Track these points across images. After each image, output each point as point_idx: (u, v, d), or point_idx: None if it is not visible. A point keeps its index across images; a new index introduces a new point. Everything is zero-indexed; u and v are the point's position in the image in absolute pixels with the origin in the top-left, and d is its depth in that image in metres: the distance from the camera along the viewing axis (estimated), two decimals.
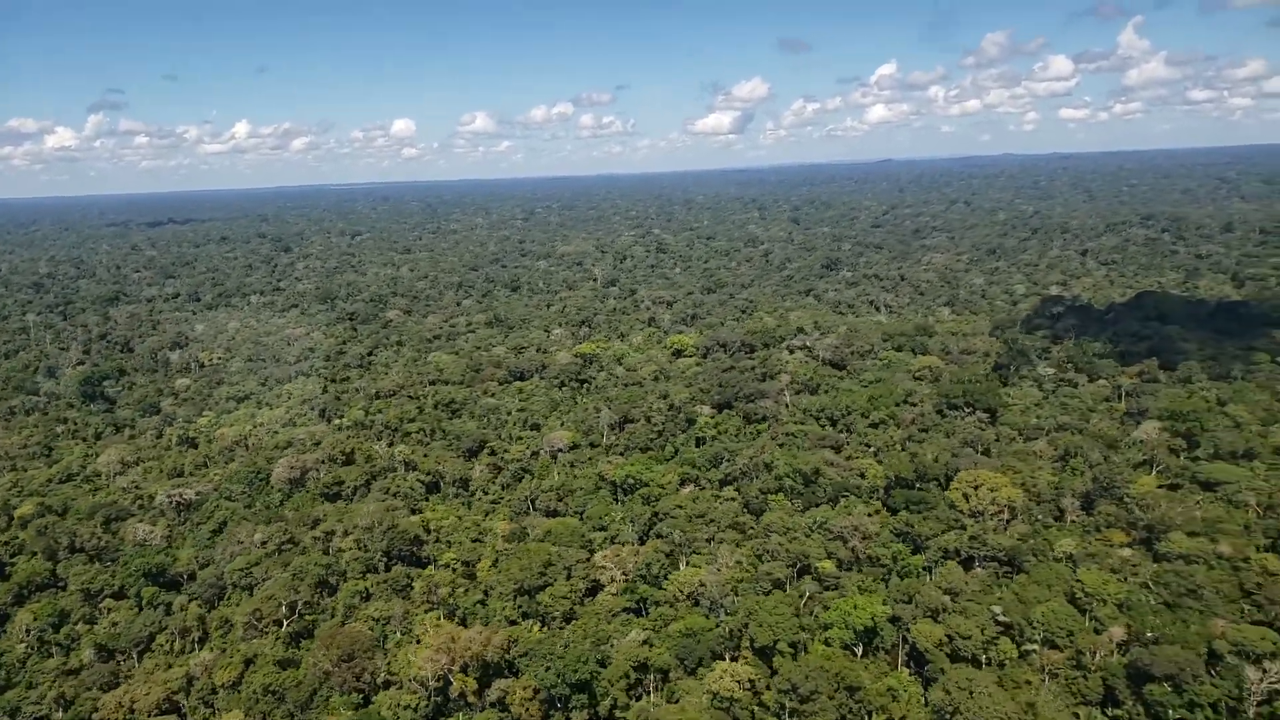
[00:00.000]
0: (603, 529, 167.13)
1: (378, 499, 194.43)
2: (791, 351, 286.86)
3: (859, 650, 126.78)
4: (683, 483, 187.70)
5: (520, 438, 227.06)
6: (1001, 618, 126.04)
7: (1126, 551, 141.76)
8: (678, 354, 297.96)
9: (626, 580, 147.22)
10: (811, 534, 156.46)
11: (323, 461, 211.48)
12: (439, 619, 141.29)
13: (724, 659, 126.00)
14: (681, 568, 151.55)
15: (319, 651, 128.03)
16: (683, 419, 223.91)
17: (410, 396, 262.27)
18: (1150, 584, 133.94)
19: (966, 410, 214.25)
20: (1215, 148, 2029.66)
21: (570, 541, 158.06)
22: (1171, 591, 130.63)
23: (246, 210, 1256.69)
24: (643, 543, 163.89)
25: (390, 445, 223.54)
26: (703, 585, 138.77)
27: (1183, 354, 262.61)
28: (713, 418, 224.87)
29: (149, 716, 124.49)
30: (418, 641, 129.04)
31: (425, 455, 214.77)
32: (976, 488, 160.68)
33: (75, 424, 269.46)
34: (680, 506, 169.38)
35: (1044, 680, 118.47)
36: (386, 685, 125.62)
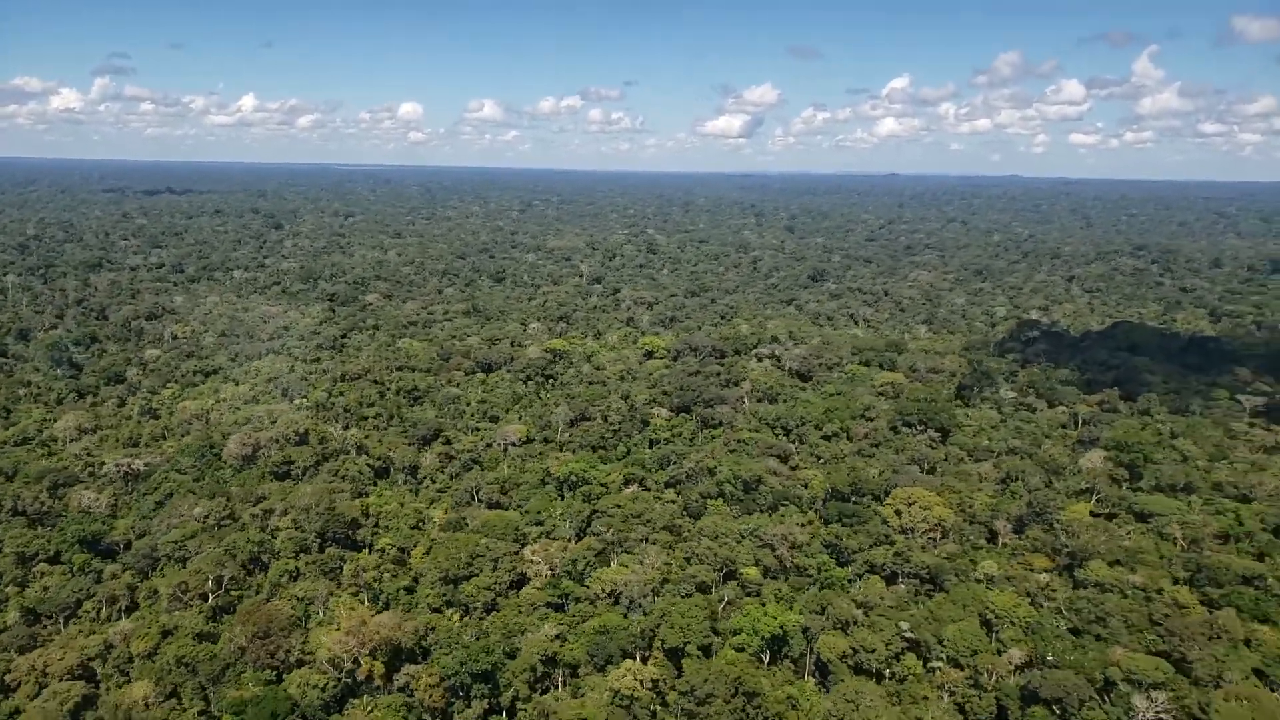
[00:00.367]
0: (539, 523, 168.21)
1: (325, 480, 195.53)
2: (760, 360, 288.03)
3: (767, 657, 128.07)
4: (627, 482, 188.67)
5: (477, 429, 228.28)
6: (908, 634, 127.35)
7: (1044, 576, 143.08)
8: (649, 355, 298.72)
9: (552, 575, 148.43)
10: (742, 540, 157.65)
11: (276, 440, 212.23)
12: (362, 602, 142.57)
13: (634, 658, 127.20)
14: (612, 566, 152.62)
15: (236, 627, 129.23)
16: (638, 420, 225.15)
17: (374, 381, 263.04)
18: (1063, 609, 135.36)
19: (920, 428, 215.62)
20: (1222, 182, 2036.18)
21: (504, 534, 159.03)
22: (1082, 618, 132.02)
23: (247, 185, 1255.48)
24: (580, 539, 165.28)
25: (346, 428, 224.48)
26: (625, 584, 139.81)
27: (1146, 385, 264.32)
28: (668, 420, 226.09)
29: (60, 680, 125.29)
30: (336, 625, 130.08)
31: (379, 441, 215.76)
32: (910, 505, 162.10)
33: (38, 388, 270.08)
34: (619, 506, 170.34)
35: (941, 697, 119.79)
36: (300, 664, 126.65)
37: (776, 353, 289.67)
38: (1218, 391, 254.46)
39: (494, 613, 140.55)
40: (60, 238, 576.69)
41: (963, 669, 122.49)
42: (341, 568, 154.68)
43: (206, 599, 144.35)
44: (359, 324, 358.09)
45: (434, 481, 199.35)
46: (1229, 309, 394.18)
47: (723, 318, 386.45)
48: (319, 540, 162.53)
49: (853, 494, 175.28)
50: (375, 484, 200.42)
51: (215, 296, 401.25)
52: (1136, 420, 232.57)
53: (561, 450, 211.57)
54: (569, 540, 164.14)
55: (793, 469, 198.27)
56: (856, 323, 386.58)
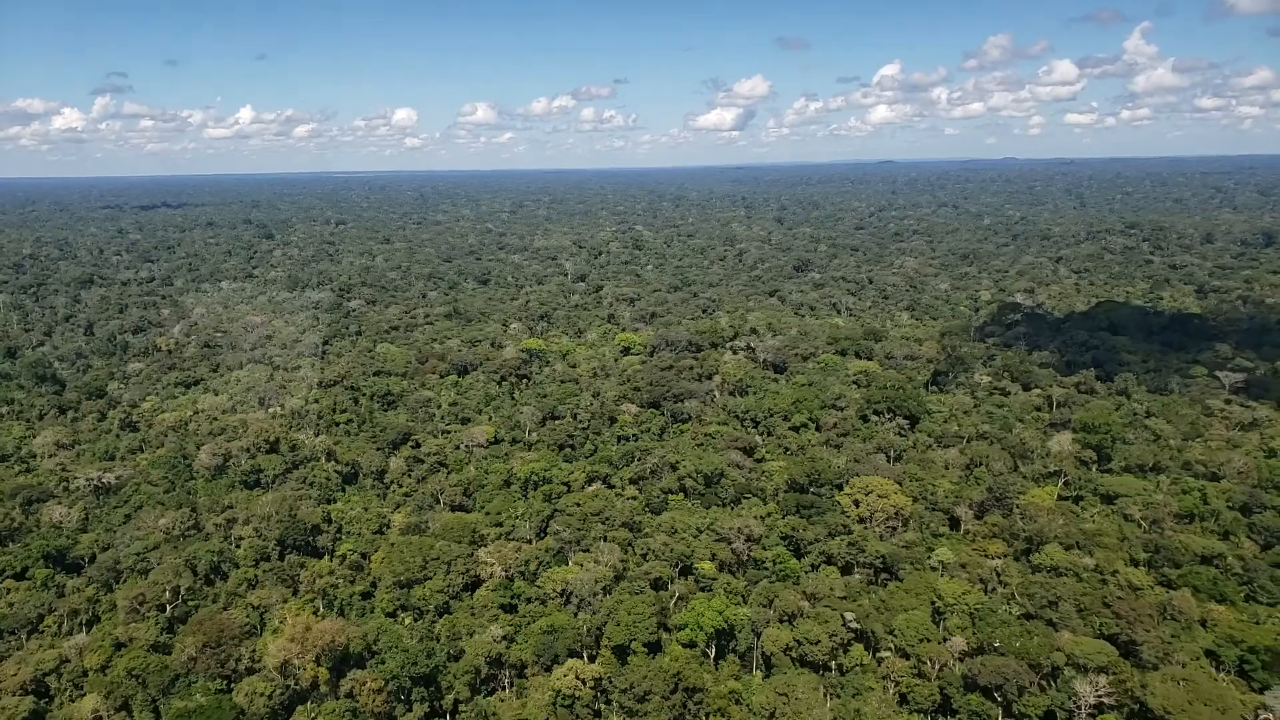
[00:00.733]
0: (499, 524, 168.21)
1: (293, 488, 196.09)
2: (735, 353, 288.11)
3: (713, 652, 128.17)
4: (590, 480, 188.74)
5: (447, 431, 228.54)
6: (853, 624, 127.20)
7: (997, 562, 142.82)
8: (625, 351, 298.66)
9: (506, 576, 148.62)
10: (699, 535, 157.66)
11: (246, 449, 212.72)
12: (316, 609, 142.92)
13: (581, 657, 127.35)
14: (569, 565, 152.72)
15: (187, 637, 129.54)
16: (606, 417, 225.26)
17: (349, 387, 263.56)
18: (1016, 595, 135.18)
19: (888, 416, 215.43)
20: (1222, 156, 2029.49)
21: (460, 537, 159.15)
22: (1034, 603, 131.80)
23: (244, 196, 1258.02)
24: (541, 538, 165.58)
25: (317, 435, 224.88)
26: (575, 583, 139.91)
27: (1125, 365, 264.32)
28: (636, 416, 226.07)
29: (11, 695, 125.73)
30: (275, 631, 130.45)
31: (348, 447, 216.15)
32: (867, 494, 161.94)
33: (20, 405, 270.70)
34: (578, 504, 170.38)
35: (886, 688, 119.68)
36: (250, 672, 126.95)
37: (751, 345, 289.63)
38: (1196, 369, 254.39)
39: (446, 616, 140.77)
40: (55, 255, 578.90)
41: (909, 658, 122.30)
42: (299, 575, 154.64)
43: (164, 610, 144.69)
44: (341, 330, 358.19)
45: (400, 486, 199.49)
46: (1217, 285, 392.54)
47: (704, 311, 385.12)
48: (279, 548, 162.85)
49: (811, 485, 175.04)
50: (343, 490, 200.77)
51: (201, 308, 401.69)
52: (1111, 401, 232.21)
53: (530, 450, 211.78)
54: (529, 540, 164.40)
55: (758, 461, 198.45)
56: (839, 312, 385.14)
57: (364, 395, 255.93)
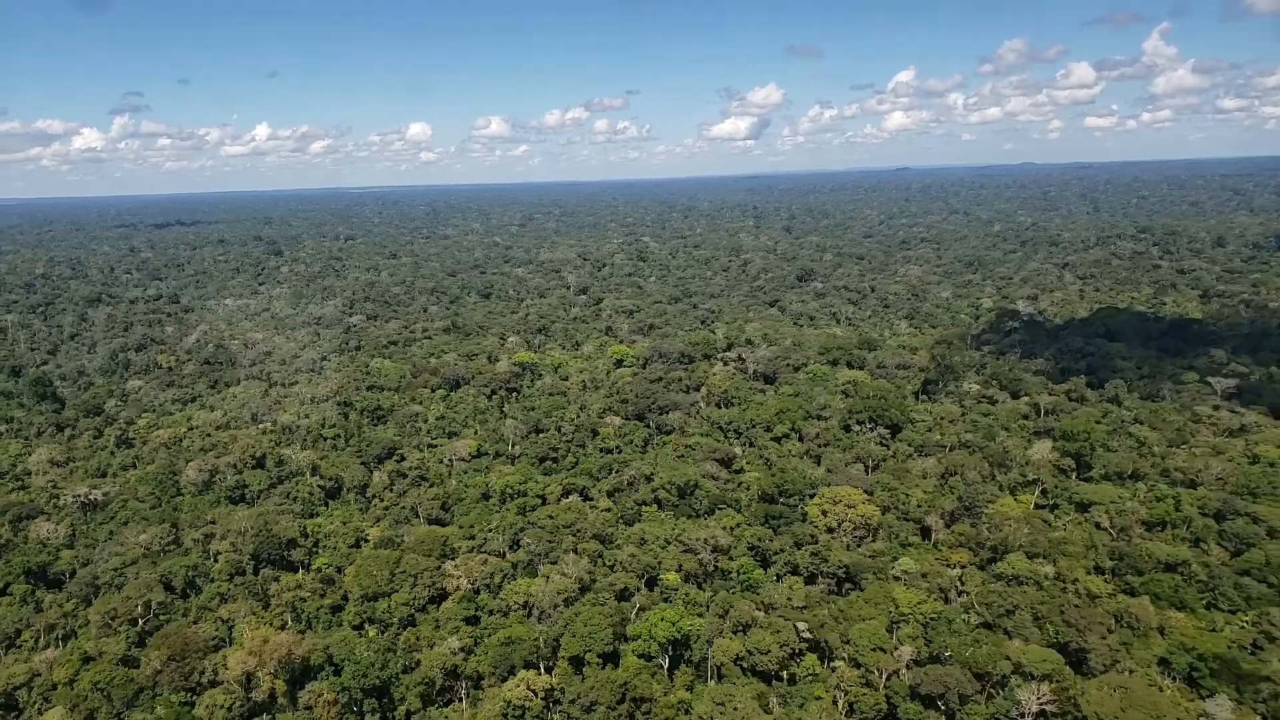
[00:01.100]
0: (471, 537, 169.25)
1: (277, 502, 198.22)
2: (726, 364, 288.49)
3: (666, 663, 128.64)
4: (567, 493, 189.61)
5: (434, 445, 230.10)
6: (806, 634, 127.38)
7: (957, 572, 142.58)
8: (618, 364, 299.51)
9: (472, 588, 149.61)
10: (667, 546, 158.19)
11: (233, 465, 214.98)
12: (285, 622, 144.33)
13: (538, 668, 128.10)
14: (537, 577, 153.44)
15: (153, 651, 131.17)
16: (589, 430, 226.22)
17: (341, 402, 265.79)
18: (975, 604, 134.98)
19: (870, 426, 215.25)
20: (1245, 158, 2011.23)
21: (431, 550, 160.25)
22: (993, 611, 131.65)
23: (258, 213, 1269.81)
24: (514, 551, 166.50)
25: (303, 449, 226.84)
26: (536, 595, 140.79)
27: (1118, 372, 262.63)
28: (619, 429, 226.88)
29: None
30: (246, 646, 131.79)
31: (333, 462, 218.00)
32: (835, 503, 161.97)
33: (20, 423, 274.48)
34: (551, 516, 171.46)
35: (836, 697, 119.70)
36: (213, 685, 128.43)
37: (742, 356, 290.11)
38: (1188, 375, 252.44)
39: (410, 628, 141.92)
40: (67, 274, 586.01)
41: (860, 668, 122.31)
42: (270, 589, 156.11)
43: (135, 624, 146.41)
44: (341, 346, 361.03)
45: (382, 500, 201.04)
46: (1221, 289, 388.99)
47: (703, 323, 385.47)
48: (253, 563, 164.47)
49: (780, 495, 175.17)
50: (326, 504, 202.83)
51: (204, 325, 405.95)
52: (1098, 408, 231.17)
53: (513, 463, 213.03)
54: (502, 553, 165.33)
55: (736, 472, 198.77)
56: (838, 321, 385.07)
57: (354, 410, 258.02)
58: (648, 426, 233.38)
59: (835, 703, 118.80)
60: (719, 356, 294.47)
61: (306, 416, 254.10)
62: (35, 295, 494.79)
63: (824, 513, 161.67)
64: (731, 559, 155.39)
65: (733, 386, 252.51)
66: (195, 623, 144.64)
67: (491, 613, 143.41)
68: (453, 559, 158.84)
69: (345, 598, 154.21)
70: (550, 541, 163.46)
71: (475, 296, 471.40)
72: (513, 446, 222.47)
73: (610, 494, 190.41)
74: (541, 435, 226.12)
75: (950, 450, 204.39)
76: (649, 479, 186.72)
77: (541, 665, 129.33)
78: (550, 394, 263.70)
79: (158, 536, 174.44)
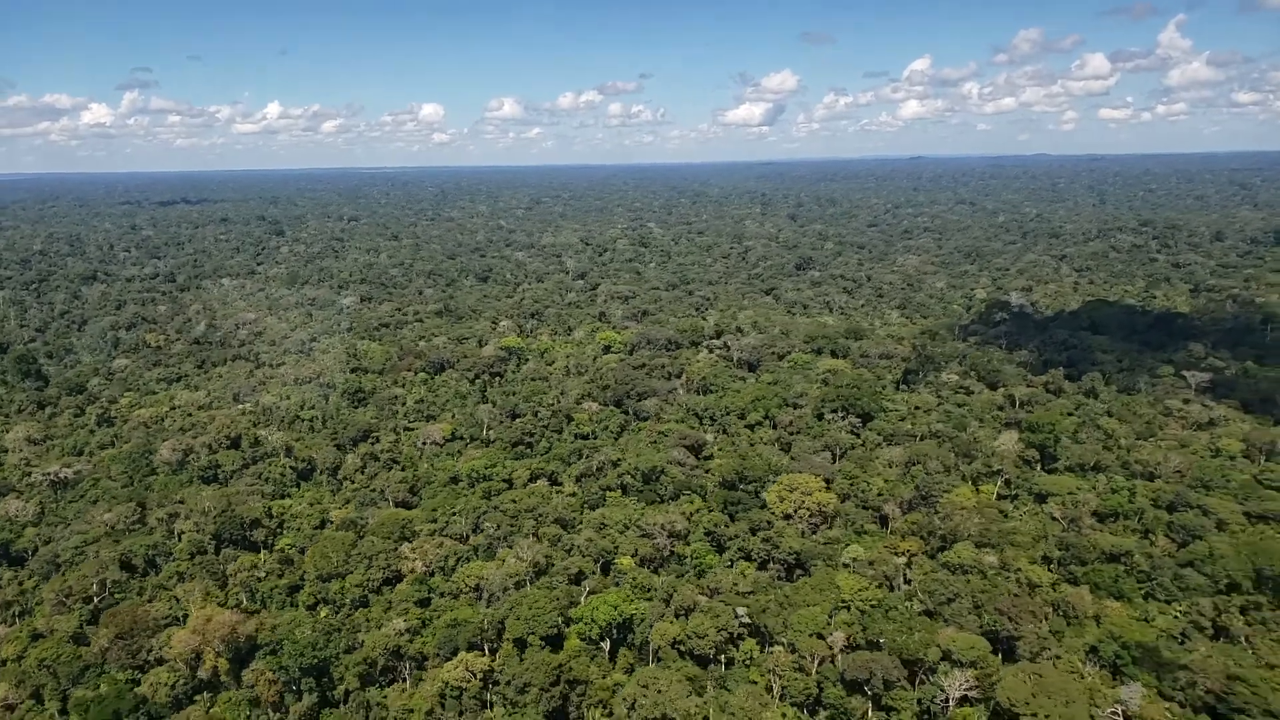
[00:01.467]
0: (434, 520, 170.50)
1: (249, 483, 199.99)
2: (711, 351, 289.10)
3: (607, 645, 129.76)
4: (534, 477, 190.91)
5: (410, 428, 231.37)
6: (745, 619, 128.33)
7: (902, 559, 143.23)
8: (606, 349, 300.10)
9: (426, 571, 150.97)
10: (626, 531, 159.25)
11: (208, 445, 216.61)
12: (239, 602, 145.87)
13: (482, 650, 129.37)
14: (495, 560, 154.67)
15: (101, 629, 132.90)
16: (565, 415, 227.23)
17: (324, 384, 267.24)
18: (918, 592, 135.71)
19: (842, 415, 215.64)
20: (1257, 152, 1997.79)
21: (391, 532, 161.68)
22: (934, 599, 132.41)
23: (266, 192, 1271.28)
24: (477, 534, 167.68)
25: (279, 431, 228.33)
26: (487, 578, 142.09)
27: (1098, 365, 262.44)
28: (595, 415, 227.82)
29: None
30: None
31: (308, 443, 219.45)
32: (792, 491, 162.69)
33: (1, 400, 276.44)
34: (514, 501, 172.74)
35: (771, 682, 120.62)
36: (160, 662, 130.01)
37: (728, 343, 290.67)
38: (1164, 369, 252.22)
39: (362, 609, 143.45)
40: (65, 251, 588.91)
41: (796, 652, 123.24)
42: (228, 569, 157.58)
43: (90, 602, 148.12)
44: (332, 328, 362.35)
45: (352, 482, 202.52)
46: (1213, 284, 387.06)
47: (697, 310, 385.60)
48: (214, 542, 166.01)
49: (741, 481, 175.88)
50: (298, 485, 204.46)
51: (198, 305, 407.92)
52: (1073, 400, 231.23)
53: (487, 447, 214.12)
54: (465, 537, 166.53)
55: (705, 458, 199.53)
56: (831, 310, 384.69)
57: (335, 392, 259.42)
58: (625, 413, 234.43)
59: (769, 687, 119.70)
60: (705, 344, 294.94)
61: (287, 398, 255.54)
62: (30, 272, 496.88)
63: (781, 499, 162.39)
64: (688, 544, 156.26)
65: (712, 374, 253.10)
66: (150, 601, 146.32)
67: (443, 595, 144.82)
68: (411, 541, 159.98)
69: (304, 578, 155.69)
70: (511, 525, 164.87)
71: (472, 280, 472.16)
72: (487, 431, 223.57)
73: (578, 479, 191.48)
74: (518, 420, 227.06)
75: (920, 440, 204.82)
76: (616, 464, 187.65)
77: (486, 647, 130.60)
78: (532, 379, 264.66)
79: (123, 515, 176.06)
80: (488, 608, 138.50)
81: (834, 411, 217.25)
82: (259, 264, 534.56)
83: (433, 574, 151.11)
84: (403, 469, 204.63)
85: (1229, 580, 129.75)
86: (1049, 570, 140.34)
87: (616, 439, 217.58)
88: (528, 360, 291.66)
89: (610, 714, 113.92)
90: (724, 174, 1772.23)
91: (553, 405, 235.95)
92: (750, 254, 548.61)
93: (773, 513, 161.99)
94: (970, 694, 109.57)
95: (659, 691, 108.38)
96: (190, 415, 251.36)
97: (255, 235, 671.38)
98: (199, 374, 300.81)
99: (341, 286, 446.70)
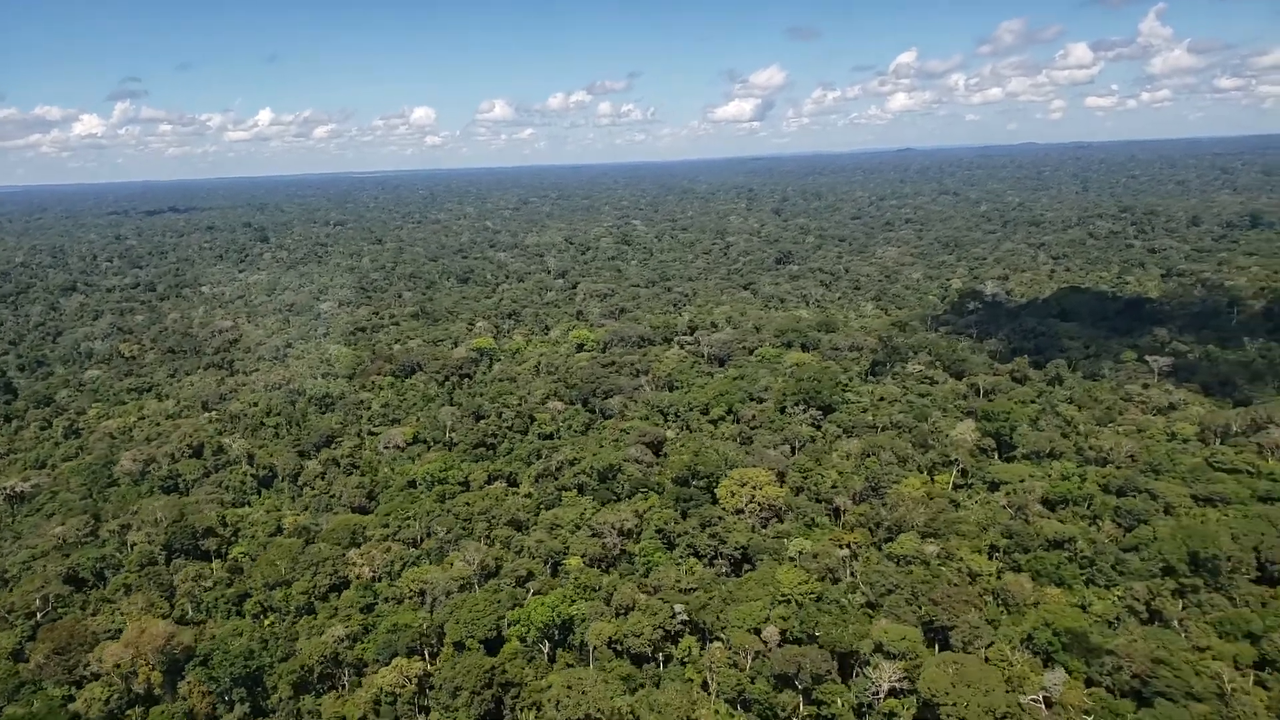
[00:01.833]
0: (386, 525, 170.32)
1: (208, 491, 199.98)
2: (682, 347, 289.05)
3: (546, 647, 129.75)
4: (492, 479, 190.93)
5: (374, 433, 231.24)
6: (682, 616, 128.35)
7: (845, 552, 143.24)
8: (580, 348, 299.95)
9: (373, 576, 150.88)
10: (577, 531, 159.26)
11: (170, 454, 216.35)
12: (184, 613, 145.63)
13: (422, 654, 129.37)
14: (444, 563, 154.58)
15: (39, 644, 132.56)
16: (528, 415, 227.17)
17: (293, 390, 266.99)
18: (860, 584, 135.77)
19: (804, 408, 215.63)
20: (1239, 137, 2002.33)
21: (342, 539, 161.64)
22: (875, 591, 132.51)
23: (256, 199, 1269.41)
24: (429, 539, 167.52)
25: (243, 438, 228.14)
26: (430, 583, 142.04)
27: (1064, 351, 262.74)
28: (559, 414, 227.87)
29: None
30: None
31: (270, 450, 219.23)
32: (743, 485, 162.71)
33: None
34: (468, 504, 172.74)
35: (707, 678, 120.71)
36: (96, 677, 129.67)
37: (698, 339, 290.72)
38: (1127, 354, 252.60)
39: (308, 616, 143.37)
40: (47, 263, 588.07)
41: (731, 649, 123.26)
42: (175, 580, 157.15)
43: (33, 617, 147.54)
44: (308, 333, 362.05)
45: (313, 488, 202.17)
46: (1185, 269, 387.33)
47: (675, 305, 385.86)
48: (165, 553, 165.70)
49: (694, 477, 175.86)
50: (259, 493, 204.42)
51: (176, 313, 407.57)
52: (1037, 388, 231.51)
53: (449, 450, 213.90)
54: (416, 541, 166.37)
55: (665, 456, 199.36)
56: (807, 304, 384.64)
57: (303, 398, 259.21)
58: (591, 411, 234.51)
59: (705, 684, 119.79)
60: (678, 340, 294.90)
61: (254, 405, 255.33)
62: (9, 284, 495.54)
63: (732, 494, 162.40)
64: (638, 543, 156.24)
65: (678, 370, 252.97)
66: (94, 615, 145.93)
67: (387, 600, 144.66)
68: (360, 547, 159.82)
69: (253, 588, 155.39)
70: (464, 529, 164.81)
71: (453, 281, 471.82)
72: (450, 433, 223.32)
73: (536, 479, 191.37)
74: (482, 422, 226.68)
75: (881, 431, 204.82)
76: (573, 464, 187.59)
77: (426, 652, 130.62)
78: (499, 380, 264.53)
79: (75, 528, 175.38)
80: (431, 613, 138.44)
81: (796, 405, 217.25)
82: (240, 271, 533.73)
83: (379, 579, 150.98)
84: (362, 474, 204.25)
85: (1164, 564, 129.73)
86: (993, 559, 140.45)
87: (582, 437, 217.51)
88: (499, 361, 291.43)
89: (542, 715, 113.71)
90: (716, 170, 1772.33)
91: (517, 406, 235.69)
92: (732, 249, 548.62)
93: (724, 508, 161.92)
94: (899, 685, 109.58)
95: (583, 692, 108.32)
96: (158, 425, 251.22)
97: (239, 242, 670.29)
98: (171, 383, 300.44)
99: (321, 291, 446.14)
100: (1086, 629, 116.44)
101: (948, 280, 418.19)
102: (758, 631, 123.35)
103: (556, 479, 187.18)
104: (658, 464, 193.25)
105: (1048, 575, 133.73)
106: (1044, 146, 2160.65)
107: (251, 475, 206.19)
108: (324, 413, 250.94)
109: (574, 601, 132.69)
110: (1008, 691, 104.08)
